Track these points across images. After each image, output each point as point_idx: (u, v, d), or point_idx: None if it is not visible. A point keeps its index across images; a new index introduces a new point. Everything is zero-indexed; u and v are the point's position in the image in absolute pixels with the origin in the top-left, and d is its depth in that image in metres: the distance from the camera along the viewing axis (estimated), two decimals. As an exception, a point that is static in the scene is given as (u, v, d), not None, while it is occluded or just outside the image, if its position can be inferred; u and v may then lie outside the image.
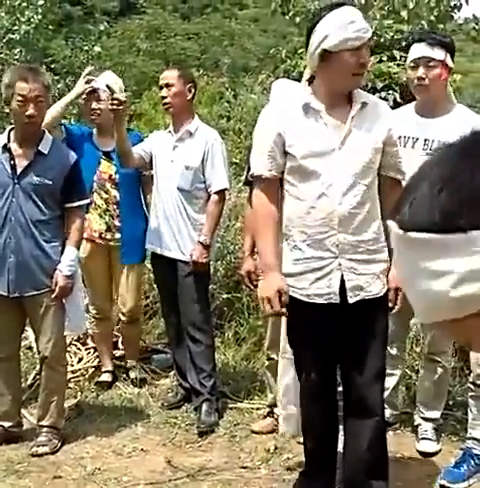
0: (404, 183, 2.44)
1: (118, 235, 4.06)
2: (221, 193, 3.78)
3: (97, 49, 10.76)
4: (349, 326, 2.65)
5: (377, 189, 2.68)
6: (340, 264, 2.60)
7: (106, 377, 4.24)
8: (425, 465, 3.26)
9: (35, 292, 3.41)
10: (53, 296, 3.40)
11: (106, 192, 4.04)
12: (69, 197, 3.46)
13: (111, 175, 4.04)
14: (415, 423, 3.49)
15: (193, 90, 3.82)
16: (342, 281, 2.60)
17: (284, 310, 2.62)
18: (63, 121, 4.35)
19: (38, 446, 3.44)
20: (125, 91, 4.13)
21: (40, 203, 3.38)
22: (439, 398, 3.46)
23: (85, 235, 4.07)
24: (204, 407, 3.74)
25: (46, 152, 3.41)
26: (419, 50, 3.20)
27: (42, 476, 3.22)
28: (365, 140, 2.62)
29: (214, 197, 3.75)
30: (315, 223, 2.58)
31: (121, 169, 3.93)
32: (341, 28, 2.48)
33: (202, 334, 3.81)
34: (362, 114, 2.64)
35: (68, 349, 4.43)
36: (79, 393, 4.10)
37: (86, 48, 10.79)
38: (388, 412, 3.54)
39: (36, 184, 3.36)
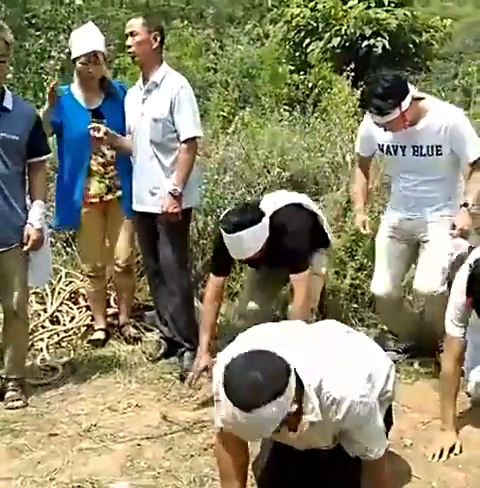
0: None
1: (119, 193, 4.05)
2: (191, 141, 3.72)
3: (78, 2, 10.49)
4: None
5: None
6: None
7: (99, 335, 4.24)
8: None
9: (5, 248, 3.40)
10: (25, 249, 3.40)
11: (102, 156, 3.99)
12: (33, 152, 3.45)
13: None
14: None
15: (159, 38, 3.74)
16: None
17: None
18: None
19: (12, 401, 3.47)
20: (108, 46, 4.03)
21: (6, 159, 3.35)
22: None
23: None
24: (186, 354, 3.84)
25: (10, 108, 3.37)
26: (373, 118, 3.33)
27: (37, 434, 3.24)
28: None
29: (183, 146, 3.71)
30: None
31: (111, 127, 3.89)
32: None
33: (178, 285, 3.83)
34: None
35: (60, 309, 4.44)
36: (72, 351, 4.11)
37: (67, 1, 10.51)
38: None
39: (3, 140, 3.32)
